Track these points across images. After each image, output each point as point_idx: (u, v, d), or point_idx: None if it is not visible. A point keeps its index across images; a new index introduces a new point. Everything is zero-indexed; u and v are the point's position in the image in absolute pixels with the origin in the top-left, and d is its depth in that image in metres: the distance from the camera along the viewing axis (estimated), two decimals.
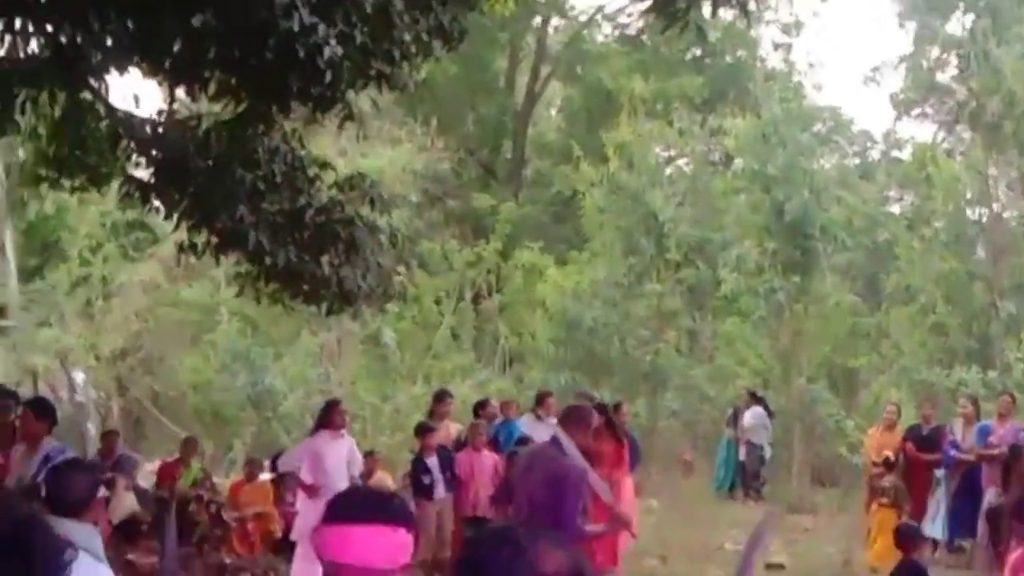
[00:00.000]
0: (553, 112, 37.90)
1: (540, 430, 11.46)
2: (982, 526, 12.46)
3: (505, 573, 2.08)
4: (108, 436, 13.97)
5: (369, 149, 24.15)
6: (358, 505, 2.85)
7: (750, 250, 20.42)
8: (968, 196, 22.95)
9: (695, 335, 24.29)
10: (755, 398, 19.23)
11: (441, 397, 13.81)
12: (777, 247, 19.89)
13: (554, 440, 7.34)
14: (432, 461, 12.12)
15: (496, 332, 26.30)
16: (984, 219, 23.02)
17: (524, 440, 11.23)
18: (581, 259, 24.98)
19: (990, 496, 12.51)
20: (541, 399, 13.28)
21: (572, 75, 34.83)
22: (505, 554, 2.12)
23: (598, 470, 10.88)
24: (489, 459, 12.12)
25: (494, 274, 26.16)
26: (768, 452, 18.73)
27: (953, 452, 13.53)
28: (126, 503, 11.75)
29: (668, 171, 25.80)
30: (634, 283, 22.89)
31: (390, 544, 2.76)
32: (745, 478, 18.55)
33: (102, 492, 4.77)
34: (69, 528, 3.61)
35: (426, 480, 12.03)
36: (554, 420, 10.42)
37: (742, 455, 18.50)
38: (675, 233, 22.27)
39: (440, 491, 12.03)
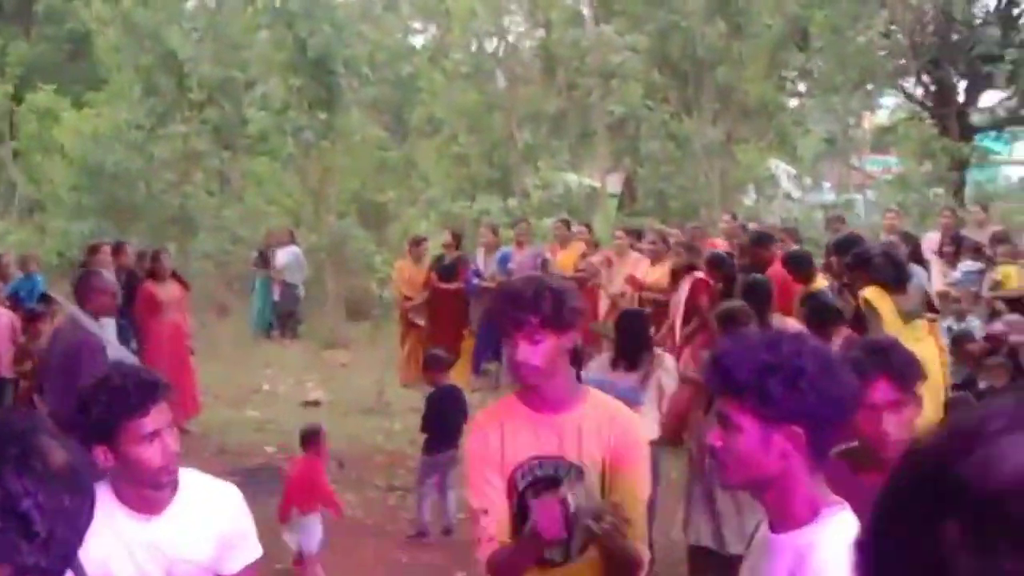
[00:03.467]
0: None
1: None
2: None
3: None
4: None
5: None
6: None
7: (275, 88, 20.11)
8: (486, 28, 23.60)
9: (224, 176, 23.83)
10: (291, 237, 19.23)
11: None
12: (302, 84, 19.68)
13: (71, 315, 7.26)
14: None
15: (11, 180, 24.75)
16: (500, 51, 23.84)
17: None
18: (99, 101, 23.76)
19: None
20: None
21: None
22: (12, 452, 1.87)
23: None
24: (5, 316, 11.36)
25: (6, 119, 24.54)
26: (302, 291, 18.83)
27: (476, 280, 14.11)
28: None
29: (188, 6, 24.77)
30: (157, 125, 22.08)
31: None
32: (281, 317, 18.60)
33: None
34: None
35: None
36: None
37: (276, 295, 18.48)
38: (197, 72, 21.56)
39: None
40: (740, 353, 2.38)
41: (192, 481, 3.32)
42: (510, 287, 3.67)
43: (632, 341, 7.24)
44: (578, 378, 3.72)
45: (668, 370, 7.25)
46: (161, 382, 3.16)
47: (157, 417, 3.10)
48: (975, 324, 10.45)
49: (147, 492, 3.20)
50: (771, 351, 2.35)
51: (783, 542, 2.40)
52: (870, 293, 8.06)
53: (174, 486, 3.25)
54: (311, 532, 7.57)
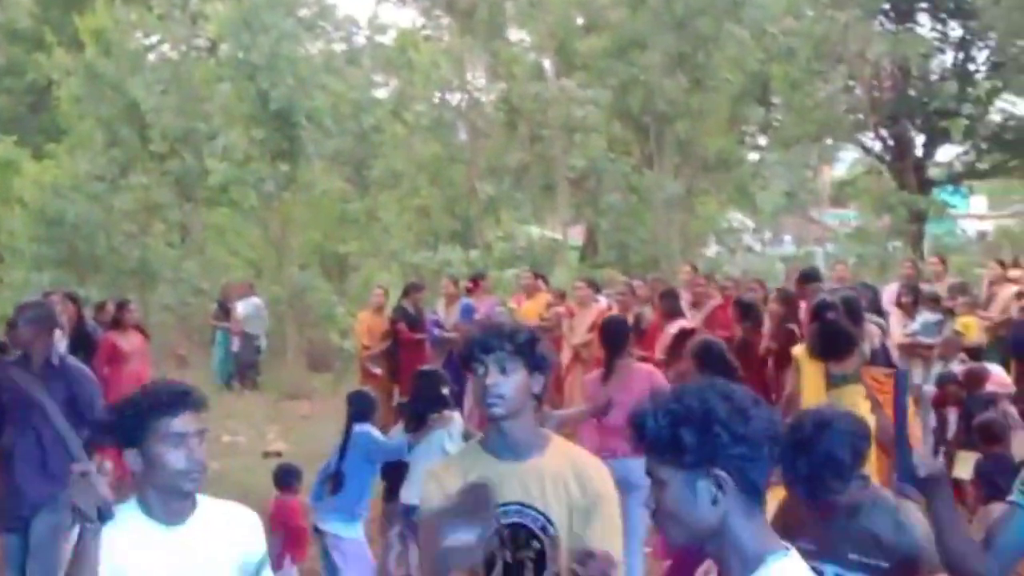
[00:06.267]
0: None
1: None
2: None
3: None
4: None
5: None
6: None
7: (237, 139, 20.11)
8: (448, 81, 23.73)
9: (185, 227, 23.76)
10: (251, 288, 19.17)
11: None
12: (264, 136, 19.71)
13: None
14: None
15: None
16: (463, 104, 23.97)
17: None
18: (60, 152, 23.69)
19: None
20: None
21: None
22: None
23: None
24: None
25: None
26: (264, 342, 18.75)
27: (437, 331, 14.11)
28: None
29: (151, 58, 24.78)
30: (118, 176, 22.04)
31: None
32: (241, 368, 18.51)
33: None
34: None
35: None
36: None
37: (236, 346, 18.39)
38: (159, 123, 21.53)
39: None
40: (651, 408, 2.42)
41: (210, 501, 3.45)
42: (487, 321, 3.69)
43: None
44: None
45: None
46: (194, 392, 3.32)
47: (186, 421, 3.24)
48: (956, 368, 10.54)
49: (171, 501, 3.30)
50: (678, 401, 2.40)
51: None
52: (800, 352, 8.00)
53: (193, 502, 3.35)
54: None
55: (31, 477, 6.53)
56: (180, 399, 3.25)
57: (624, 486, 4.12)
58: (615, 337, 8.10)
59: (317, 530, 7.49)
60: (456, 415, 7.51)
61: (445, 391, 7.32)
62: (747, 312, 11.12)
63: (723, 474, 2.35)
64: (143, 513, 3.29)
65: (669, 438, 2.37)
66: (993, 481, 7.73)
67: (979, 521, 7.76)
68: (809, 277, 11.18)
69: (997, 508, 7.59)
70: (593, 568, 3.17)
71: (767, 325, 10.78)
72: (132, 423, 3.22)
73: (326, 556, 7.63)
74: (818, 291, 10.34)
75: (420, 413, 7.12)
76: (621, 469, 5.18)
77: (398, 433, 7.46)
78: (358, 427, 7.29)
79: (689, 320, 11.48)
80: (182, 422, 3.23)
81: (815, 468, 3.44)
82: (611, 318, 8.95)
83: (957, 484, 8.33)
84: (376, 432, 7.37)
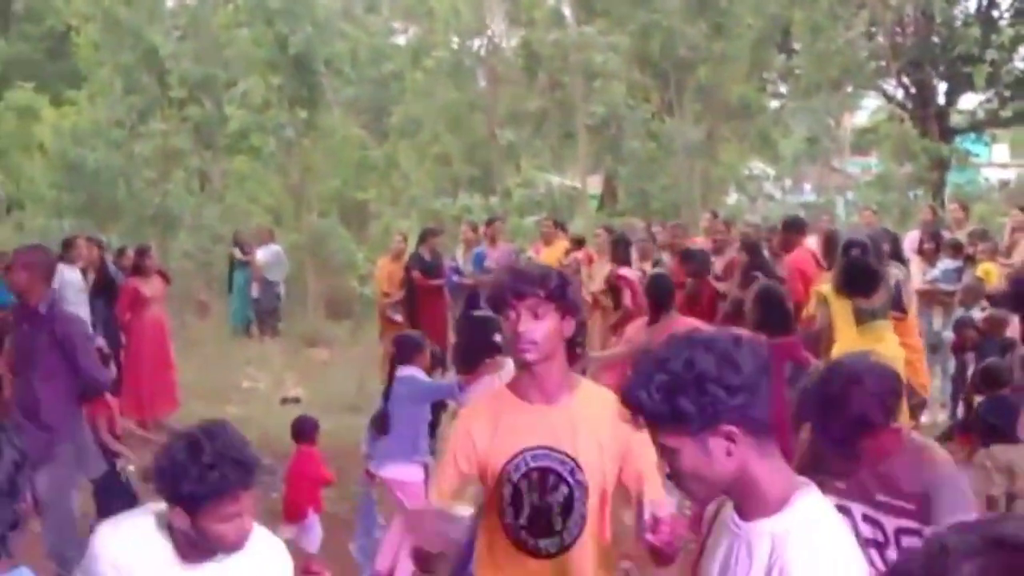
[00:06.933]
0: None
1: None
2: None
3: None
4: None
5: None
6: None
7: (256, 86, 20.06)
8: (468, 27, 23.60)
9: (205, 174, 23.76)
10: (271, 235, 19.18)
11: None
12: (283, 82, 19.67)
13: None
14: None
15: None
16: (482, 50, 23.85)
17: None
18: (79, 99, 23.67)
19: None
20: None
21: None
22: None
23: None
24: None
25: None
26: (283, 289, 18.78)
27: (455, 277, 14.12)
28: None
29: (169, 4, 24.70)
30: (137, 123, 22.02)
31: None
32: (261, 315, 18.54)
33: None
34: None
35: None
36: None
37: (256, 293, 18.41)
38: (178, 69, 21.49)
39: None
40: (640, 383, 2.39)
41: None
42: (515, 266, 3.67)
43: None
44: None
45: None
46: (258, 465, 3.11)
47: (244, 501, 3.07)
48: (976, 315, 10.52)
49: (206, 555, 3.18)
50: (664, 369, 2.36)
51: (757, 529, 2.41)
52: (827, 291, 8.16)
53: None
54: (313, 531, 7.56)
55: (28, 429, 6.30)
56: (244, 480, 3.05)
57: None
58: (661, 293, 8.19)
59: (371, 476, 7.49)
60: (508, 360, 7.49)
61: (498, 337, 7.31)
62: (690, 260, 11.33)
63: (731, 428, 2.35)
64: (173, 550, 3.18)
65: (669, 411, 2.35)
66: (991, 424, 7.74)
67: (978, 465, 7.79)
68: (792, 226, 11.27)
69: (999, 452, 7.66)
70: (663, 533, 3.06)
71: (736, 274, 10.89)
72: (188, 497, 3.03)
73: (366, 501, 7.67)
74: (802, 241, 10.70)
75: (472, 358, 7.10)
76: None
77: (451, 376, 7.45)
78: (402, 369, 7.28)
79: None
80: (240, 503, 3.07)
81: (847, 430, 3.41)
82: (656, 275, 9.01)
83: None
84: (421, 374, 7.36)
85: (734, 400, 2.33)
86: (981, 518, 1.45)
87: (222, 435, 3.11)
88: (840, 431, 3.41)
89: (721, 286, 11.27)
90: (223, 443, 3.07)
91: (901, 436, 3.58)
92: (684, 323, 8.10)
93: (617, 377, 6.91)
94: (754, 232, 13.93)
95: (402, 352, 7.41)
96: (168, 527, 3.16)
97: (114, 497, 7.17)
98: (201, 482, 2.99)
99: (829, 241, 10.17)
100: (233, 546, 3.13)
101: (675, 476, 2.47)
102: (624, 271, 11.49)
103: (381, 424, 7.25)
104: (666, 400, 2.34)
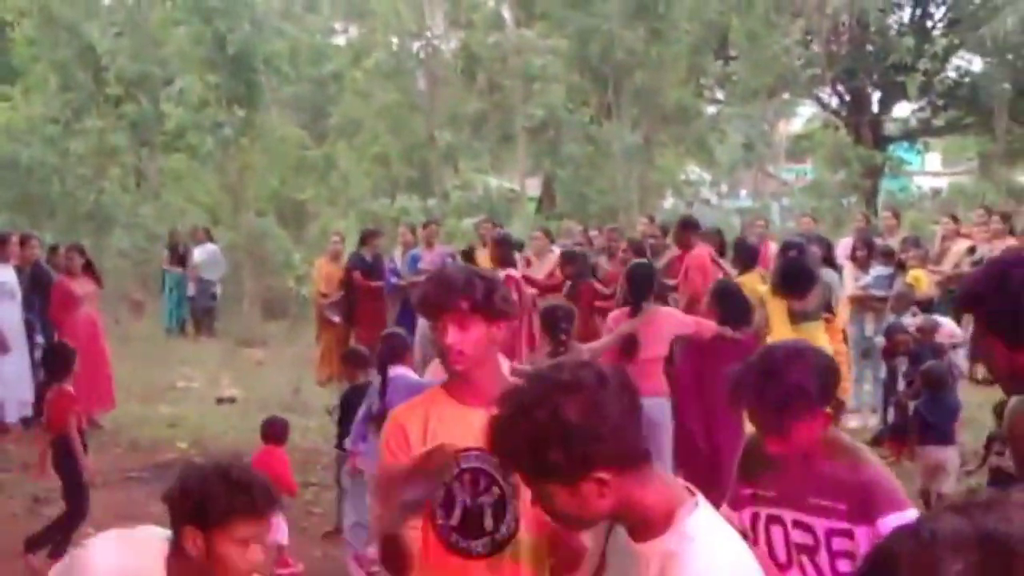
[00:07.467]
0: None
1: None
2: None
3: None
4: None
5: None
6: None
7: (193, 83, 19.90)
8: (407, 28, 23.58)
9: (141, 172, 23.54)
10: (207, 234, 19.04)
11: None
12: (221, 80, 19.53)
13: None
14: None
15: None
16: (422, 52, 23.84)
17: None
18: (14, 94, 23.36)
19: None
20: None
21: None
22: None
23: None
24: None
25: None
26: (219, 288, 18.67)
27: (393, 279, 14.12)
28: None
29: (106, 1, 24.46)
30: (73, 119, 21.78)
31: None
32: (196, 314, 18.42)
33: None
34: None
35: None
36: None
37: (192, 291, 18.29)
38: (114, 66, 21.29)
39: None
40: (506, 431, 2.33)
41: None
42: (440, 274, 3.65)
43: None
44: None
45: None
46: (279, 500, 3.16)
47: (261, 527, 3.09)
48: (907, 320, 10.70)
49: None
50: (528, 416, 2.29)
51: (646, 551, 2.39)
52: (763, 291, 8.38)
53: None
54: (279, 525, 7.56)
55: None
56: (270, 506, 3.08)
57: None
58: (641, 282, 8.33)
59: (357, 471, 7.55)
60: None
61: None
62: (571, 261, 11.89)
63: (602, 474, 2.28)
64: None
65: (538, 464, 2.29)
66: (928, 424, 7.94)
67: (918, 465, 7.96)
68: (688, 225, 11.85)
69: (932, 451, 7.83)
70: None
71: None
72: (214, 512, 3.03)
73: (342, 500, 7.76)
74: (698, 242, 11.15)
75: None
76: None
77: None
78: (394, 369, 7.31)
79: None
80: (260, 528, 3.09)
81: (784, 396, 3.38)
82: (637, 264, 9.09)
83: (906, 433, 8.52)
84: (412, 373, 7.39)
85: (603, 446, 2.27)
86: (971, 499, 1.42)
87: (246, 465, 3.22)
88: (776, 395, 3.37)
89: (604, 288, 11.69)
90: (249, 471, 3.17)
91: (829, 426, 3.61)
92: (664, 312, 8.35)
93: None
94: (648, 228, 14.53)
95: (392, 352, 7.47)
96: (168, 556, 3.12)
97: None
98: (230, 498, 3.03)
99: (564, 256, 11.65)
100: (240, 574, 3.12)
101: (551, 516, 2.43)
102: (510, 271, 11.37)
103: (380, 424, 7.29)
104: (532, 453, 2.28)
